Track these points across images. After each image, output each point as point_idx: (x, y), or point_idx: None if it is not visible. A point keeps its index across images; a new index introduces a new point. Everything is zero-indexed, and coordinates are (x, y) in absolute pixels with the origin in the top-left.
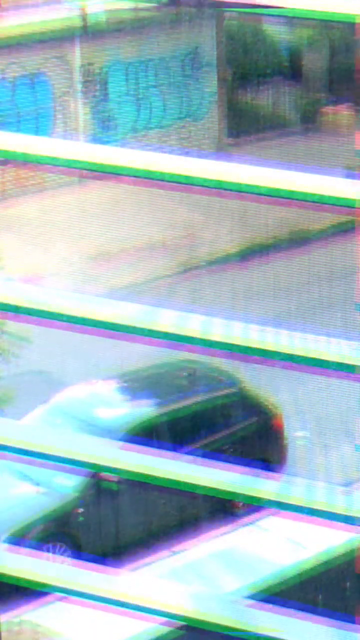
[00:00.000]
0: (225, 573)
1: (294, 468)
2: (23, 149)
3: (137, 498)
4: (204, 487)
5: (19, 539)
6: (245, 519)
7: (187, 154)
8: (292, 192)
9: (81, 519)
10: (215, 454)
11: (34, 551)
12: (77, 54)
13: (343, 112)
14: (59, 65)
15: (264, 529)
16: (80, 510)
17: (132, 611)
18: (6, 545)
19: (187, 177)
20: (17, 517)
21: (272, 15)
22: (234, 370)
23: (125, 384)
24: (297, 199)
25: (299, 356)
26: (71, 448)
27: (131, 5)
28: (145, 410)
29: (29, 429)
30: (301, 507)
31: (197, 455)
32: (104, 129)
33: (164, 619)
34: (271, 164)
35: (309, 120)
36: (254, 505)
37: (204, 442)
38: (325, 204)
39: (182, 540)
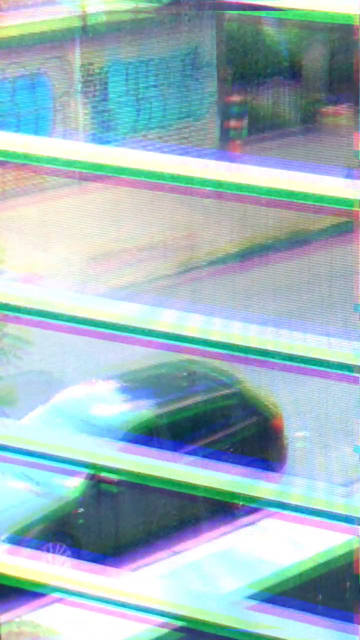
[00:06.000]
0: (226, 573)
1: (294, 468)
2: (23, 149)
3: (137, 498)
4: (204, 488)
5: (19, 539)
6: (245, 519)
7: (187, 153)
8: (292, 192)
9: (81, 519)
10: (215, 454)
11: (34, 551)
12: (77, 54)
13: (343, 112)
14: (59, 65)
15: (264, 529)
16: (80, 510)
17: (132, 611)
18: (6, 545)
19: (187, 177)
20: (17, 517)
21: (272, 16)
22: (234, 370)
23: (125, 384)
24: (297, 199)
25: (298, 356)
26: (71, 448)
27: (131, 5)
28: (145, 410)
29: (29, 428)
30: (301, 507)
31: (197, 456)
32: (104, 129)
33: (164, 619)
34: (271, 164)
35: (309, 120)
36: (254, 505)
37: (203, 442)
38: (325, 204)
39: (182, 540)
